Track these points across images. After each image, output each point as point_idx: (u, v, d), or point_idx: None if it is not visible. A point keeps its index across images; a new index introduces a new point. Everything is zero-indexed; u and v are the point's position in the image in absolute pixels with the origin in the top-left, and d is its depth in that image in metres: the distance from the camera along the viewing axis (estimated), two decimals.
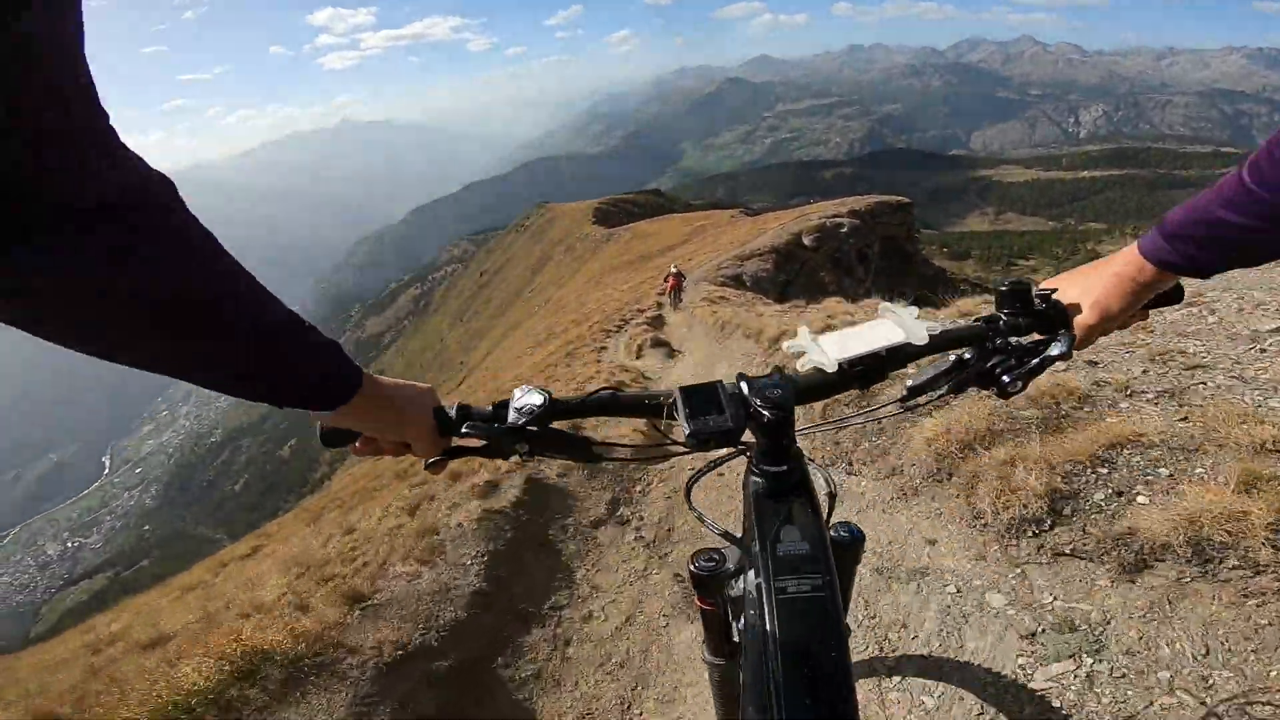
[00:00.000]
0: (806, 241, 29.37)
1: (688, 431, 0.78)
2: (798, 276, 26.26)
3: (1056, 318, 0.88)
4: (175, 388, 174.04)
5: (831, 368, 0.84)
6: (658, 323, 13.72)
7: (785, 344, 0.91)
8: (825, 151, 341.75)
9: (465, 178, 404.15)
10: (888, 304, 0.92)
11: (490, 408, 0.86)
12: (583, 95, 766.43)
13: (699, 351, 9.33)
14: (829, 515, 0.89)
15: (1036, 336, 0.88)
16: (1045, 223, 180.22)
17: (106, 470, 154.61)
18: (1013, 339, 0.88)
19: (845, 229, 32.59)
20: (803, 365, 0.86)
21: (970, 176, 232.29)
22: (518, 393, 0.85)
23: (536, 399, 0.84)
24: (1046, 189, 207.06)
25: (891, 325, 0.89)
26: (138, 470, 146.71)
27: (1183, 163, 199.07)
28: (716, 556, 0.99)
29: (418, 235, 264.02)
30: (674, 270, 16.63)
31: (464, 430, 0.84)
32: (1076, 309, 0.87)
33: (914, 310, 0.89)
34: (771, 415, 0.79)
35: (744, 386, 0.83)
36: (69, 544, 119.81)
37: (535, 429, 0.83)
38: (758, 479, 0.83)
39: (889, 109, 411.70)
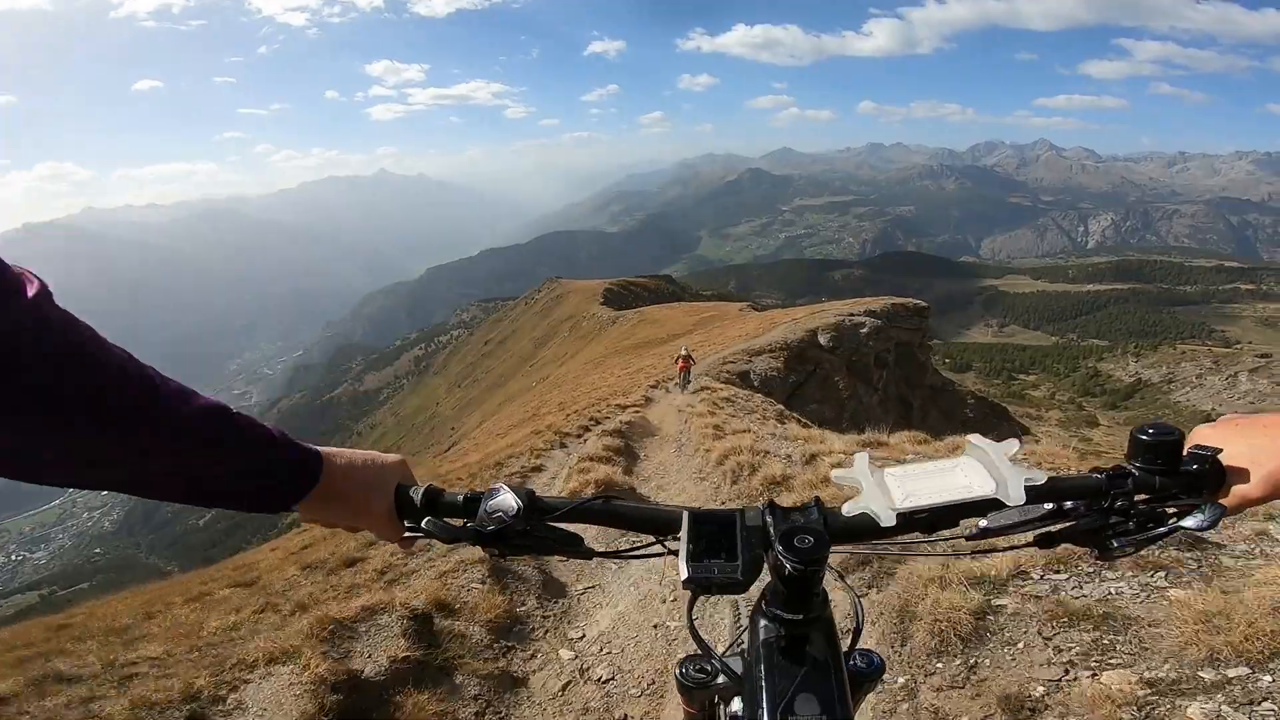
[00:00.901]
0: (822, 340, 27.12)
1: (684, 576, 0.68)
2: (809, 379, 24.57)
3: (1208, 481, 0.70)
4: None
5: (888, 522, 0.69)
6: (631, 437, 9.25)
7: (834, 473, 0.75)
8: (837, 250, 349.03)
9: (485, 241, 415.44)
10: (979, 439, 0.75)
11: (461, 498, 0.79)
12: (608, 172, 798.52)
13: (671, 489, 6.67)
14: (853, 643, 0.80)
15: (1176, 496, 0.71)
16: (1048, 337, 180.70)
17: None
18: (1140, 501, 0.71)
19: (865, 329, 30.19)
20: (851, 510, 0.71)
21: (978, 285, 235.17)
22: (494, 490, 0.78)
23: (510, 503, 0.75)
24: (1052, 302, 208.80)
25: (978, 469, 0.72)
26: (104, 492, 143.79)
27: (1187, 277, 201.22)
28: (708, 668, 0.89)
29: (431, 294, 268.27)
30: (684, 353, 16.59)
31: (424, 526, 0.77)
32: (1240, 473, 0.69)
33: (1010, 447, 0.73)
34: (794, 570, 0.66)
35: (769, 521, 0.72)
36: (14, 557, 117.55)
37: (504, 535, 0.75)
38: (770, 623, 0.70)
39: (903, 210, 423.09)
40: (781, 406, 14.34)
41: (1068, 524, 0.73)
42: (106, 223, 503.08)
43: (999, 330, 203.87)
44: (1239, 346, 68.94)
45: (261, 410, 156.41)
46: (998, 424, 40.08)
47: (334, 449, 0.76)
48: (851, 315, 31.14)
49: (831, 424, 14.26)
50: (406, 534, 0.80)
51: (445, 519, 0.78)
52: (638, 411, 11.49)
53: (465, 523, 0.77)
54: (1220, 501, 0.69)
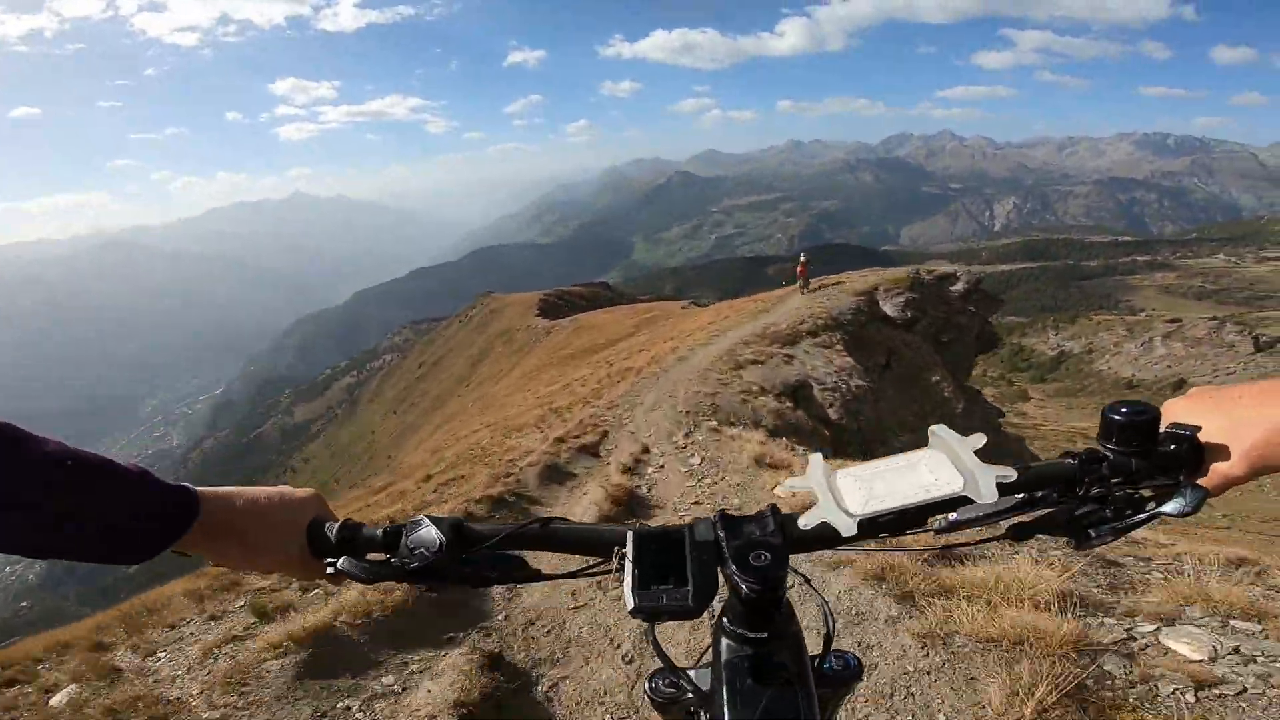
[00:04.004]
0: (889, 310, 18.90)
1: (630, 606, 0.62)
2: (881, 377, 16.19)
3: (1186, 460, 0.65)
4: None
5: (849, 530, 0.62)
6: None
7: (788, 482, 0.68)
8: (768, 247, 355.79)
9: (414, 260, 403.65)
10: (943, 430, 0.68)
11: (381, 532, 0.73)
12: (537, 183, 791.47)
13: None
14: (825, 648, 0.77)
15: (1154, 479, 0.66)
16: None
17: None
18: (1116, 485, 0.66)
19: (959, 287, 21.79)
20: (808, 521, 0.64)
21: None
22: (415, 522, 0.72)
23: (433, 536, 0.69)
24: None
25: (942, 462, 0.66)
26: None
27: (1088, 253, 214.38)
28: (678, 685, 0.82)
29: (359, 319, 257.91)
30: (803, 259, 20.93)
31: (340, 566, 0.71)
32: (1220, 450, 0.63)
33: (977, 441, 0.66)
34: (751, 591, 0.61)
35: (721, 536, 0.66)
36: None
37: (430, 571, 0.69)
38: (731, 642, 0.65)
39: (827, 204, 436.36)
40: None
41: (1041, 513, 0.68)
42: None
43: None
44: (1144, 314, 73.08)
45: (184, 451, 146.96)
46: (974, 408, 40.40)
47: (234, 488, 0.72)
48: (929, 271, 23.22)
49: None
50: (327, 572, 0.74)
51: (367, 555, 0.73)
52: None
53: (388, 558, 0.72)
54: (1200, 483, 0.64)
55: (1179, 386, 40.78)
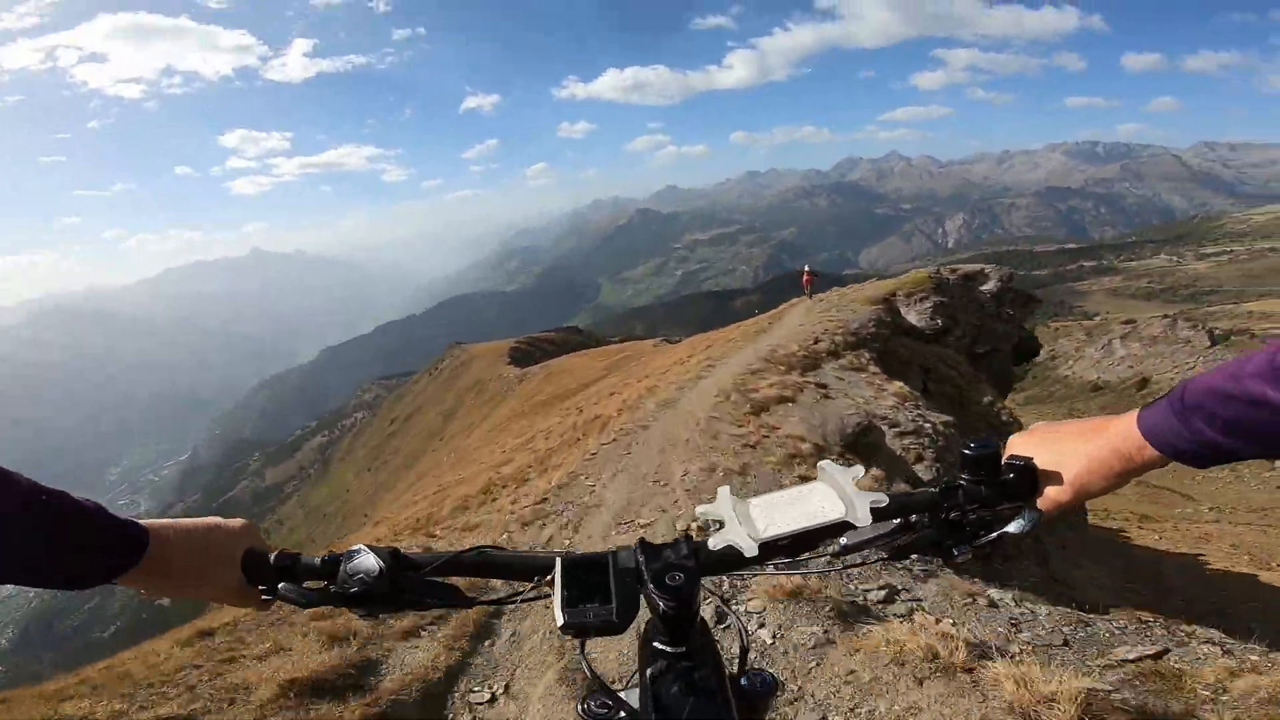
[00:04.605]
0: (915, 319, 17.25)
1: (561, 622, 0.68)
2: (922, 397, 13.32)
3: (1025, 487, 0.77)
4: None
5: (751, 552, 0.72)
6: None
7: (699, 509, 0.77)
8: (733, 280, 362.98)
9: (379, 314, 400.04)
10: (829, 464, 0.81)
11: (320, 561, 0.77)
12: (499, 229, 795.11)
13: None
14: (741, 665, 0.83)
15: (1000, 504, 0.78)
16: None
17: None
18: (970, 509, 0.78)
19: (990, 287, 20.21)
20: (716, 544, 0.73)
21: None
22: (353, 551, 0.75)
23: (371, 563, 0.73)
24: None
25: (829, 493, 0.78)
26: None
27: (1036, 263, 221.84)
28: (610, 703, 0.84)
29: (326, 378, 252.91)
30: (808, 270, 22.66)
31: (280, 591, 0.75)
32: (1052, 478, 0.75)
33: (856, 472, 0.79)
34: (668, 609, 0.69)
35: (641, 560, 0.73)
36: None
37: (368, 597, 0.72)
38: (654, 657, 0.72)
39: (786, 233, 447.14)
40: None
41: (914, 536, 0.79)
42: None
43: None
44: (1099, 318, 75.57)
45: (155, 518, 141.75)
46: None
47: (167, 520, 0.73)
48: (952, 270, 21.28)
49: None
50: (264, 599, 0.77)
51: (305, 583, 0.76)
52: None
53: (327, 585, 0.75)
54: (1038, 505, 0.76)
55: (1143, 385, 41.86)
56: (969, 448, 0.79)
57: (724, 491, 0.78)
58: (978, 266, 21.85)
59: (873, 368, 11.65)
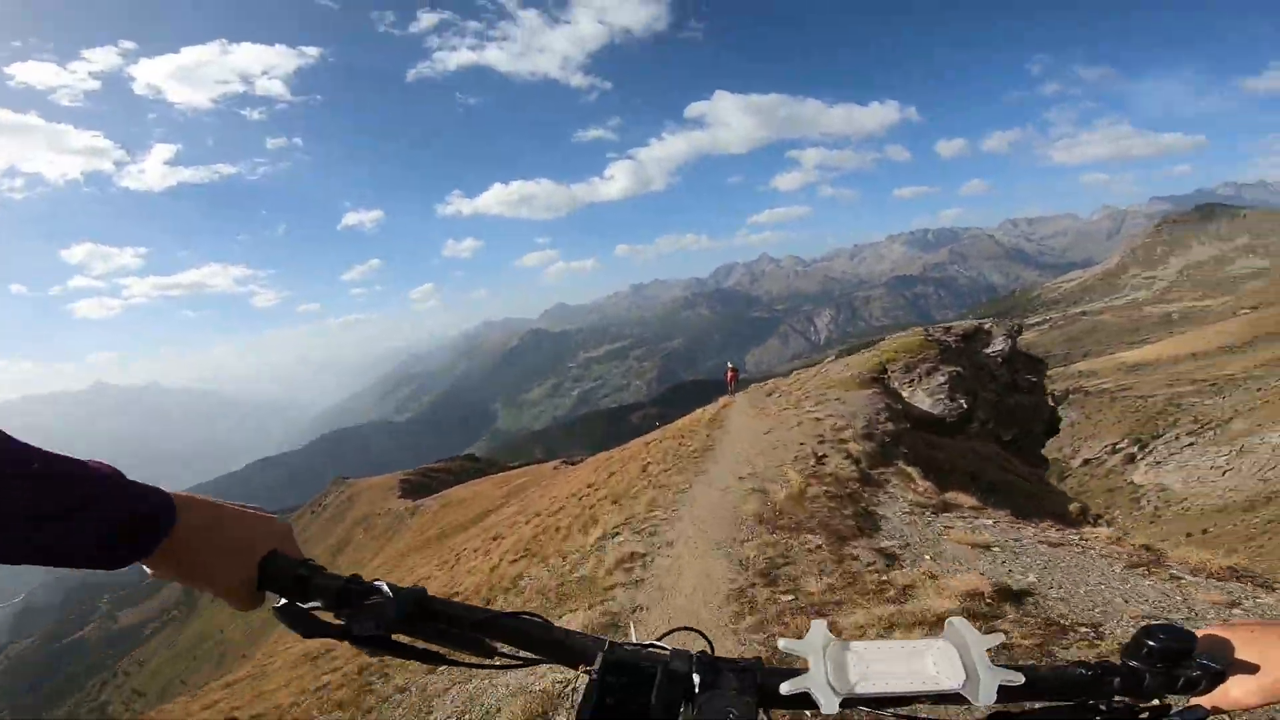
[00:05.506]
0: (924, 403, 13.30)
1: None
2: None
3: (1206, 686, 0.65)
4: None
5: (830, 709, 0.60)
6: None
7: (782, 643, 0.65)
8: (629, 395, 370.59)
9: (255, 450, 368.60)
10: (961, 621, 0.67)
11: (340, 585, 0.70)
12: (386, 355, 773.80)
13: None
14: None
15: (1162, 697, 0.65)
16: None
17: None
18: (1118, 700, 0.65)
19: (999, 345, 17.06)
20: (790, 689, 0.61)
21: None
22: (375, 585, 0.69)
23: (392, 606, 0.67)
24: None
25: (950, 656, 0.63)
26: None
27: None
28: None
29: None
30: (731, 366, 23.31)
31: (281, 611, 0.69)
32: (1248, 667, 0.64)
33: (992, 641, 0.64)
34: None
35: (696, 680, 0.62)
36: None
37: (379, 642, 0.66)
38: None
39: (674, 344, 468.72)
40: None
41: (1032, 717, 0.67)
42: None
43: None
44: None
45: None
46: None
47: (200, 497, 0.69)
48: (945, 329, 17.66)
49: None
50: (275, 610, 0.70)
51: (318, 603, 0.70)
52: None
53: (339, 612, 0.68)
54: (1203, 703, 0.65)
55: None
56: (1156, 637, 0.65)
57: (819, 626, 0.65)
58: (974, 323, 18.11)
59: (917, 476, 8.07)
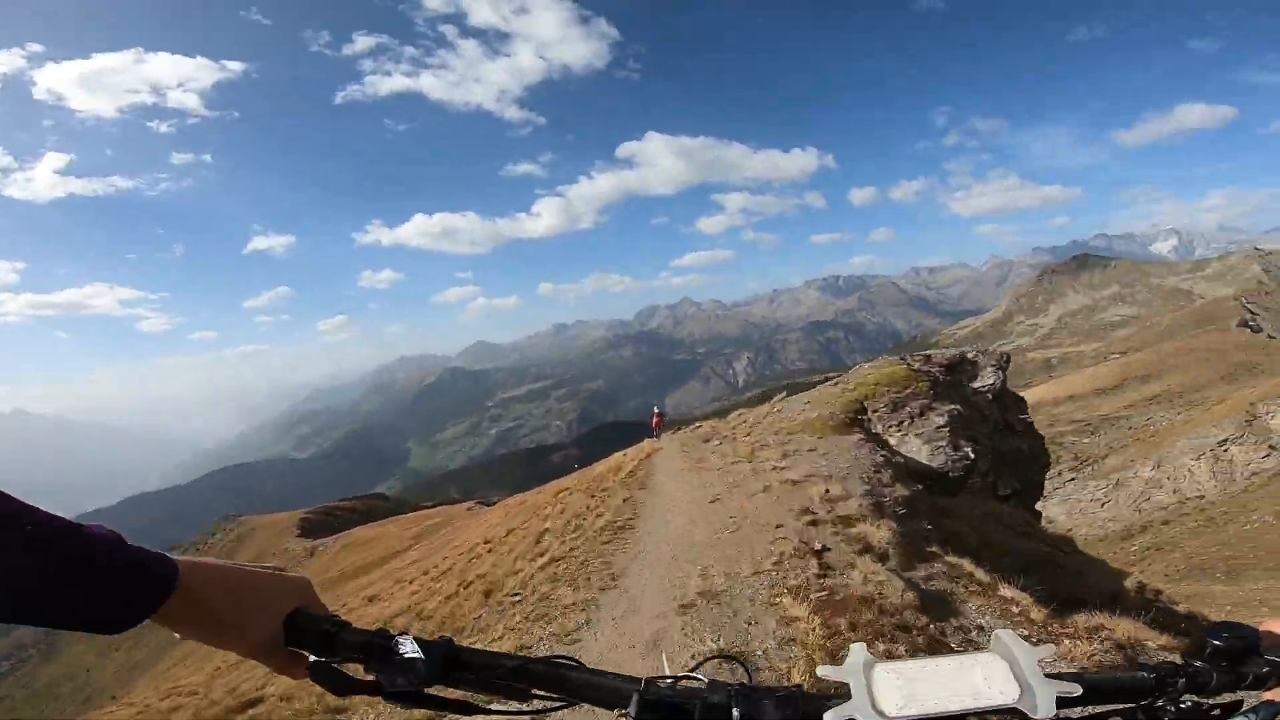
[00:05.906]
0: (921, 454, 11.13)
1: None
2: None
3: (1274, 681, 0.64)
4: None
5: None
6: None
7: (820, 670, 0.64)
8: (549, 435, 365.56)
9: (134, 484, 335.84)
10: (1008, 634, 0.64)
11: (367, 640, 0.69)
12: (289, 390, 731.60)
13: None
14: None
15: (1230, 693, 0.65)
16: None
17: None
18: (1183, 699, 0.64)
19: (989, 379, 15.17)
20: (835, 716, 0.59)
21: None
22: (401, 639, 0.68)
23: (421, 661, 0.66)
24: None
25: (1000, 669, 0.61)
26: None
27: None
28: None
29: None
30: (657, 411, 22.58)
31: (311, 670, 0.70)
32: None
33: (1044, 652, 0.62)
34: None
35: (735, 714, 0.61)
36: None
37: (413, 698, 0.66)
38: None
39: (595, 385, 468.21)
40: None
41: None
42: None
43: None
44: None
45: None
46: None
47: (218, 561, 0.70)
48: (927, 358, 15.89)
49: None
50: (301, 667, 0.71)
51: (345, 659, 0.69)
52: None
53: (367, 666, 0.68)
54: (1273, 698, 0.64)
55: None
56: (1221, 636, 0.65)
57: (858, 649, 0.64)
58: (958, 352, 16.37)
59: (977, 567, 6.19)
